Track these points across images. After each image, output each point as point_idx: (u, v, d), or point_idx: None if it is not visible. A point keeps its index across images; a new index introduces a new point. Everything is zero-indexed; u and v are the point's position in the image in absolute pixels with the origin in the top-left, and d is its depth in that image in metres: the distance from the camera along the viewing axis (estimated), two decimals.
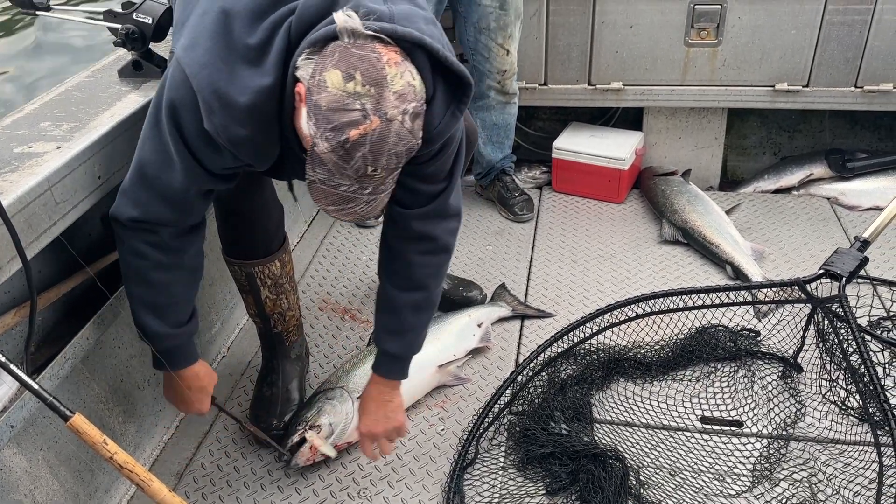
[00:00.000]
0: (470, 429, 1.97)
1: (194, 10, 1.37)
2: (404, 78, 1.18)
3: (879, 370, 1.89)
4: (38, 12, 1.96)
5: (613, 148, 3.03)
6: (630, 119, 3.25)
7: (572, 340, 2.14)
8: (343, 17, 1.17)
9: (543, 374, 2.10)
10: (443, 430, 2.06)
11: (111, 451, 1.33)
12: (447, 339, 2.24)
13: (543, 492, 1.83)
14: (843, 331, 1.95)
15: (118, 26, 1.86)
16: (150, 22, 1.83)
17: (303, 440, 1.89)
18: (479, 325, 2.32)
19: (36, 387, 1.32)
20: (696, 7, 2.79)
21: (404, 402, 2.07)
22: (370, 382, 1.82)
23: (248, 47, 1.27)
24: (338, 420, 1.92)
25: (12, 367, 1.31)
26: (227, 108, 1.28)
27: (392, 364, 1.78)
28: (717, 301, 2.15)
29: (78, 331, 1.67)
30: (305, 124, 1.22)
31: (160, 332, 1.62)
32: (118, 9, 1.88)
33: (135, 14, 1.84)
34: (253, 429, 1.91)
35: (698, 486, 1.83)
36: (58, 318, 1.73)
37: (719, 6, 2.78)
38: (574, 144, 3.08)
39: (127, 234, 1.53)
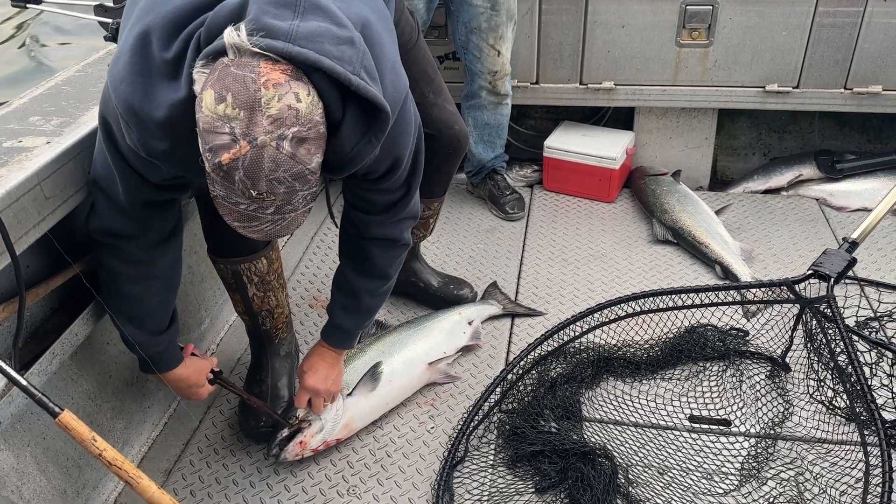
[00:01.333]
0: (460, 427, 1.97)
1: (127, 24, 1.35)
2: (283, 101, 1.10)
3: (866, 370, 1.91)
4: (28, 5, 1.95)
5: (604, 147, 3.04)
6: (622, 119, 3.25)
7: (562, 339, 2.15)
8: (230, 32, 1.11)
9: (533, 372, 2.11)
10: (433, 427, 2.06)
11: (100, 447, 1.32)
12: (437, 336, 2.24)
13: (533, 490, 1.84)
14: (830, 331, 1.97)
15: (109, 21, 1.85)
16: None
17: (292, 435, 1.89)
18: (470, 323, 2.33)
19: (25, 383, 1.32)
20: (687, 7, 2.80)
21: (394, 400, 2.09)
22: (319, 346, 1.90)
23: (165, 62, 1.24)
24: (327, 416, 1.92)
25: (1, 363, 1.30)
26: (142, 123, 1.27)
27: (343, 336, 1.88)
28: (707, 301, 2.16)
29: (66, 327, 1.66)
30: None
31: (139, 341, 1.66)
32: (109, 3, 1.87)
33: None
34: (256, 402, 1.93)
35: (686, 484, 1.84)
36: (45, 314, 1.72)
37: (711, 7, 2.79)
38: (565, 143, 3.08)
39: (100, 248, 1.58)
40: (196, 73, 1.16)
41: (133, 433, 1.99)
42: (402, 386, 2.10)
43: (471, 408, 2.01)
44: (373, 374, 2.02)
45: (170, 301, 1.71)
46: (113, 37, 1.86)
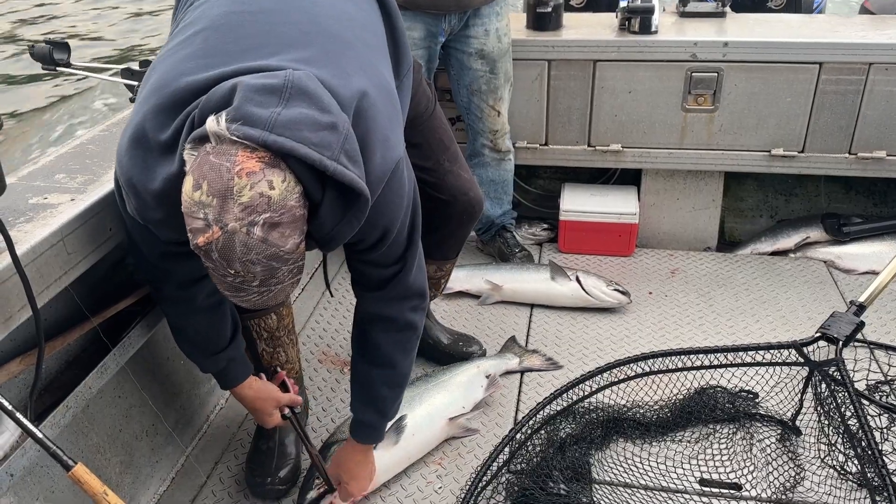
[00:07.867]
0: (468, 487, 1.95)
1: (140, 96, 1.42)
2: (255, 189, 1.14)
3: (877, 435, 1.89)
4: (58, 68, 2.03)
5: (621, 204, 3.11)
6: (629, 179, 3.30)
7: (571, 398, 2.14)
8: (211, 121, 1.16)
9: (542, 432, 2.10)
10: (440, 488, 2.04)
11: (111, 502, 1.33)
12: (456, 391, 2.24)
13: None
14: (840, 395, 1.96)
15: (135, 83, 1.92)
16: None
17: (320, 497, 1.90)
18: (487, 377, 2.33)
19: (40, 435, 1.33)
20: (693, 74, 2.88)
21: (417, 454, 2.11)
22: (348, 444, 1.89)
23: (160, 142, 1.30)
24: None
25: (18, 415, 1.32)
26: (140, 195, 1.33)
27: (367, 430, 1.86)
28: (715, 362, 2.16)
29: (81, 380, 1.68)
30: None
31: (198, 361, 1.80)
32: (136, 67, 1.95)
33: None
34: (313, 453, 1.91)
35: None
36: (61, 367, 1.74)
37: (716, 74, 2.87)
38: (582, 205, 3.14)
39: (149, 288, 1.74)
40: (186, 154, 1.21)
41: (140, 488, 1.98)
42: (425, 440, 2.11)
43: (479, 468, 1.99)
44: (397, 427, 2.03)
45: (219, 324, 1.75)
46: None
